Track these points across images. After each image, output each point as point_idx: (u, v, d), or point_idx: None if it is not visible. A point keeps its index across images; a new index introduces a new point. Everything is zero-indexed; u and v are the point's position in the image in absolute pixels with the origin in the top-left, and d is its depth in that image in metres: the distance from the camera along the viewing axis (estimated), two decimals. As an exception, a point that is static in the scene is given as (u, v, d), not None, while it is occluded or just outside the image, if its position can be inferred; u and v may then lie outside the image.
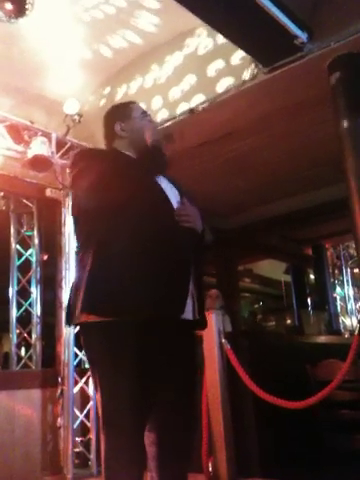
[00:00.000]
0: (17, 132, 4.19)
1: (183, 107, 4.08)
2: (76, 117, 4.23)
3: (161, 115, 4.22)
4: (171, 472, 1.75)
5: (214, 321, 3.63)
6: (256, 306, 12.48)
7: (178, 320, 1.67)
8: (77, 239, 1.86)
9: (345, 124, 3.30)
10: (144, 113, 2.02)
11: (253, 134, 4.50)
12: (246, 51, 3.56)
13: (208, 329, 3.72)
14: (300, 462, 3.30)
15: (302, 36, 3.31)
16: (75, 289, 1.77)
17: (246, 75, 3.71)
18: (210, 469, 3.39)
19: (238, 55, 3.74)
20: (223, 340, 3.57)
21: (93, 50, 4.18)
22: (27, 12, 3.30)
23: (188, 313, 1.70)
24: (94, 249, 1.68)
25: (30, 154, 4.07)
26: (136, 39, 4.11)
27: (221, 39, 3.78)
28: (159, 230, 1.70)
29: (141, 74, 4.42)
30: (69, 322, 1.77)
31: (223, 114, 3.96)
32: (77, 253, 1.83)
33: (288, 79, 3.57)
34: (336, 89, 3.41)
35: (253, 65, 3.65)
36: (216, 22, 3.28)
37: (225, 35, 3.44)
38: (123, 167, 1.82)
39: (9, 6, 3.20)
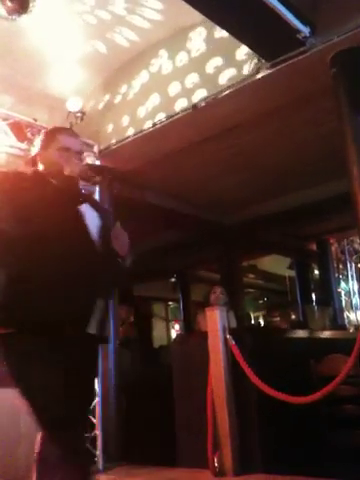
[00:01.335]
0: (20, 130, 4.19)
1: (184, 103, 4.07)
2: (79, 114, 4.23)
3: (163, 110, 4.22)
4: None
5: (218, 317, 3.63)
6: (260, 302, 12.48)
7: (82, 335, 1.82)
8: None
9: (347, 118, 3.29)
10: (67, 148, 1.99)
11: (255, 129, 4.49)
12: (249, 46, 3.55)
13: (213, 325, 3.76)
14: (304, 457, 3.30)
15: (304, 30, 3.30)
16: None
17: (248, 70, 3.70)
18: (215, 464, 3.40)
19: (241, 50, 3.73)
20: (228, 336, 3.57)
21: (95, 47, 4.18)
22: (30, 9, 3.30)
23: (92, 329, 1.85)
24: (8, 269, 1.82)
25: (33, 152, 4.07)
26: (136, 36, 4.11)
27: (223, 34, 3.77)
28: (72, 255, 1.80)
29: (142, 70, 4.42)
30: None
31: (225, 109, 3.95)
32: None
33: (290, 73, 3.56)
34: (338, 83, 3.40)
35: (255, 60, 3.65)
36: (218, 17, 3.28)
37: (228, 30, 3.43)
38: (40, 192, 1.87)
39: (12, 3, 3.20)
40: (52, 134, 2.08)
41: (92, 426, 4.12)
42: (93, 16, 3.87)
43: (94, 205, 2.04)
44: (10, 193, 1.83)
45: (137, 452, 4.07)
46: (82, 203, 1.95)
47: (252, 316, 11.44)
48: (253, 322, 11.37)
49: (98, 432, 4.08)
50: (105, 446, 4.07)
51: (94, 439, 4.08)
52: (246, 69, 3.71)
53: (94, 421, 4.11)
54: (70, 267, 1.78)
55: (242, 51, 3.73)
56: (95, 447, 4.05)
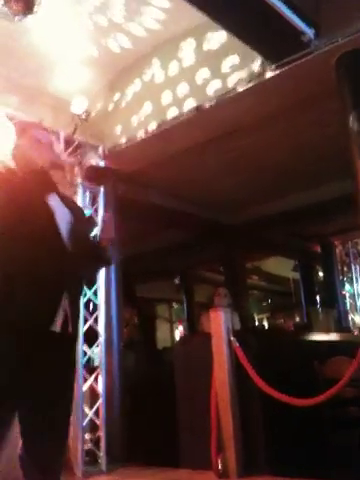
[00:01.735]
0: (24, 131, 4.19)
1: (189, 104, 4.08)
2: (84, 115, 4.24)
3: (169, 111, 4.22)
4: None
5: (222, 319, 3.63)
6: (264, 304, 12.46)
7: (46, 332, 1.77)
8: None
9: (352, 120, 3.29)
10: (38, 141, 1.99)
11: (259, 131, 4.49)
12: (253, 48, 3.56)
13: (216, 327, 3.75)
14: (307, 459, 3.29)
15: (309, 32, 3.30)
16: None
17: (253, 72, 3.71)
18: (219, 466, 3.40)
19: (244, 52, 3.73)
20: (232, 338, 3.57)
21: (100, 47, 4.18)
22: (35, 9, 3.30)
23: (57, 327, 1.79)
24: None
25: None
26: (142, 36, 4.11)
27: (227, 37, 3.78)
28: (37, 250, 1.78)
29: (148, 70, 4.42)
30: None
31: (230, 111, 3.96)
32: None
33: (295, 76, 3.56)
34: (343, 85, 3.40)
35: (260, 62, 3.65)
36: (223, 20, 3.28)
37: (232, 32, 3.44)
38: (11, 190, 1.86)
39: (17, 5, 3.20)
40: (23, 129, 2.10)
41: (95, 427, 4.12)
42: (98, 17, 3.88)
43: (65, 200, 2.01)
44: None
45: (140, 453, 4.06)
46: (50, 193, 1.92)
47: (256, 318, 11.43)
48: (257, 324, 11.37)
49: (101, 433, 4.08)
50: (108, 447, 4.07)
51: (97, 440, 4.08)
52: (251, 72, 3.71)
53: (98, 422, 4.11)
54: (34, 261, 1.76)
55: (245, 54, 3.73)
56: (98, 448, 4.06)
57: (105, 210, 2.03)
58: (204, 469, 3.49)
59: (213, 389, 3.51)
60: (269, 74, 3.62)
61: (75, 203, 2.17)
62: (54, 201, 1.92)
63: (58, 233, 1.85)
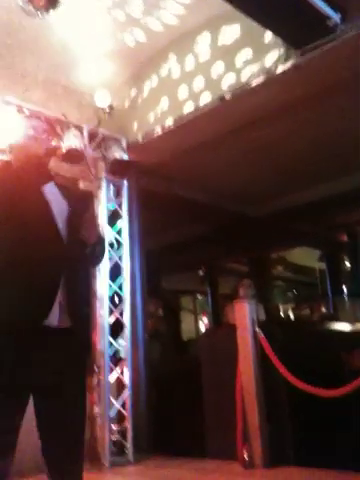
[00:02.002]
0: (50, 126, 4.23)
1: (212, 94, 4.05)
2: (107, 109, 4.25)
3: (190, 103, 4.20)
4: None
5: (247, 310, 3.62)
6: (289, 294, 12.37)
7: (40, 327, 1.71)
8: None
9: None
10: (33, 130, 1.96)
11: (283, 119, 4.43)
12: (277, 34, 3.50)
13: (241, 318, 3.75)
14: (333, 450, 3.27)
15: (335, 17, 3.23)
16: None
17: (277, 59, 3.65)
18: (245, 457, 3.41)
19: (269, 39, 3.68)
20: (257, 329, 3.56)
21: (121, 40, 4.18)
22: (58, 5, 3.32)
23: (53, 321, 1.73)
24: None
25: (63, 148, 4.12)
26: (162, 28, 4.09)
27: (250, 24, 3.72)
28: (31, 241, 1.75)
29: (170, 62, 4.40)
30: None
31: (252, 100, 3.91)
32: None
33: (320, 62, 3.49)
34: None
35: (284, 49, 3.59)
36: (246, 7, 3.23)
37: (256, 19, 3.38)
38: (5, 177, 1.85)
39: (42, 1, 3.23)
40: (21, 122, 2.13)
41: (122, 418, 4.17)
42: (120, 9, 3.88)
43: (63, 189, 1.96)
44: None
45: (167, 444, 4.10)
46: (45, 182, 1.90)
47: (281, 309, 11.36)
48: (282, 315, 11.29)
49: (128, 424, 4.12)
50: (135, 438, 4.11)
51: (124, 431, 4.13)
52: (274, 59, 3.66)
53: (124, 413, 4.16)
54: (28, 251, 1.73)
55: (269, 40, 3.68)
56: (125, 438, 4.11)
57: (89, 209, 1.91)
58: (230, 460, 3.50)
59: (238, 380, 3.52)
60: (293, 61, 3.56)
61: (77, 193, 2.10)
62: (50, 190, 1.90)
63: (53, 222, 1.80)
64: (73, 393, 1.78)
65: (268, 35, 3.65)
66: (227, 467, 3.48)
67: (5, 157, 2.03)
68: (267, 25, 3.43)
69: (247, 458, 3.41)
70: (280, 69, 3.63)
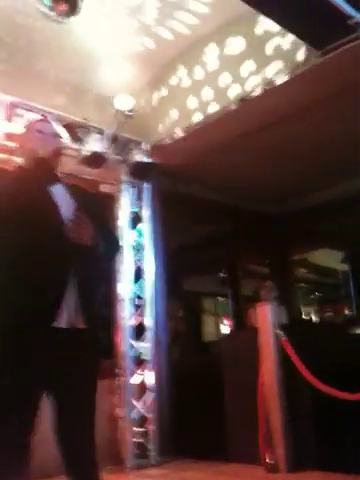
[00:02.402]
0: (72, 130, 4.28)
1: (233, 94, 4.04)
2: (127, 112, 4.27)
3: (212, 105, 4.20)
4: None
5: (269, 313, 3.60)
6: (312, 296, 12.24)
7: (49, 328, 1.70)
8: None
9: None
10: (39, 131, 1.98)
11: (305, 118, 4.40)
12: (298, 35, 3.47)
13: (263, 321, 3.72)
14: (358, 453, 3.22)
15: (356, 16, 3.18)
16: None
17: (298, 60, 3.63)
18: (268, 460, 3.38)
19: (289, 40, 3.66)
20: (278, 331, 3.53)
21: (143, 43, 4.20)
22: (78, 10, 3.36)
23: (63, 322, 1.73)
24: None
25: (85, 151, 4.16)
26: (184, 29, 4.10)
27: (270, 25, 3.71)
28: (37, 239, 1.74)
29: (191, 64, 4.40)
30: None
31: (273, 100, 3.89)
32: None
33: (341, 61, 3.45)
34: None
35: (305, 49, 3.56)
36: (267, 8, 3.21)
37: (275, 20, 3.36)
38: (13, 179, 1.87)
39: (63, 6, 3.27)
40: (28, 126, 2.11)
41: (144, 420, 4.18)
42: (139, 13, 3.90)
43: (72, 190, 1.97)
44: None
45: (189, 447, 4.09)
46: (52, 182, 1.91)
47: (304, 311, 11.24)
48: (305, 317, 11.18)
49: (151, 426, 4.13)
50: (158, 440, 4.11)
51: (147, 433, 4.13)
52: (295, 60, 3.64)
53: (147, 415, 4.17)
54: (35, 252, 1.73)
55: (290, 41, 3.65)
56: (148, 441, 4.11)
57: (75, 208, 1.88)
58: (253, 463, 3.48)
59: (260, 383, 3.49)
60: (314, 61, 3.53)
61: (85, 194, 2.09)
62: (58, 191, 1.91)
63: (59, 222, 1.79)
64: (82, 393, 1.80)
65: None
66: (250, 471, 3.45)
67: (18, 161, 2.07)
68: (287, 26, 3.41)
69: (270, 462, 3.38)
70: (300, 69, 3.60)
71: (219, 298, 11.71)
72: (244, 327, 6.98)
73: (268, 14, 3.31)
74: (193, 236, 7.52)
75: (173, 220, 5.46)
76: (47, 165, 1.92)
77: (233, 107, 4.05)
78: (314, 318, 11.64)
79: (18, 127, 3.70)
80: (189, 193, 5.84)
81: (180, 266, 7.30)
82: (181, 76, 4.51)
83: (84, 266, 1.82)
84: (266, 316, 3.60)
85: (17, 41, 3.95)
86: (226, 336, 7.22)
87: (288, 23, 3.36)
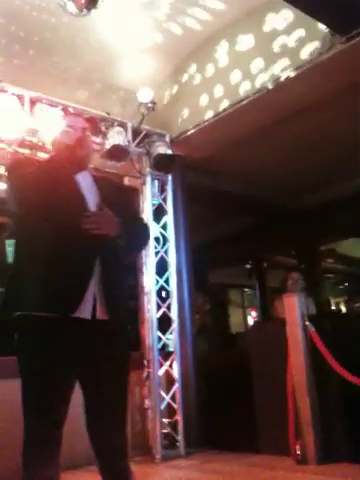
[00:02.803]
0: (94, 124, 4.30)
1: (257, 84, 3.98)
2: (150, 105, 4.27)
3: (234, 95, 4.15)
4: (109, 466, 1.80)
5: (297, 304, 3.56)
6: (341, 287, 12.08)
7: (70, 319, 1.72)
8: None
9: None
10: (70, 126, 2.02)
11: (330, 107, 4.31)
12: (322, 22, 3.40)
13: (291, 312, 3.68)
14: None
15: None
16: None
17: (322, 47, 3.55)
18: (298, 452, 3.36)
19: (313, 27, 3.58)
20: (307, 323, 3.49)
21: (164, 35, 4.18)
22: (98, 4, 3.35)
23: (85, 313, 1.75)
24: (14, 250, 1.89)
25: (108, 145, 4.18)
26: (207, 18, 4.05)
27: (292, 14, 3.64)
28: (62, 228, 1.77)
29: (213, 54, 4.36)
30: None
31: (296, 89, 3.82)
32: None
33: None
34: None
35: (329, 36, 3.49)
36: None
37: (300, 8, 3.30)
38: (42, 168, 1.90)
39: (83, 0, 3.27)
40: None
41: (172, 412, 4.20)
42: (160, 4, 3.87)
43: (98, 180, 2.02)
44: (19, 177, 1.86)
45: (217, 438, 4.09)
46: (77, 171, 1.95)
47: (332, 302, 11.10)
48: (334, 308, 11.04)
49: (179, 417, 4.15)
50: (186, 431, 4.13)
51: (175, 424, 4.15)
52: (319, 47, 3.56)
53: (175, 406, 4.19)
54: (61, 241, 1.75)
55: (314, 28, 3.58)
56: (176, 432, 4.13)
57: (100, 199, 1.93)
58: (283, 455, 3.46)
59: (289, 375, 3.46)
60: (338, 47, 3.45)
61: (112, 185, 2.13)
62: (84, 179, 1.96)
63: (85, 210, 1.82)
64: (115, 383, 1.81)
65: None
66: (279, 462, 3.44)
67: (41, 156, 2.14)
68: (311, 13, 3.33)
69: (299, 453, 3.35)
70: (324, 56, 3.53)
71: (246, 290, 11.67)
72: (269, 318, 6.94)
73: (292, 2, 3.25)
74: (218, 228, 7.49)
75: (197, 212, 5.44)
76: (72, 152, 1.95)
77: (255, 98, 3.99)
78: (343, 309, 11.49)
79: (40, 122, 3.74)
80: (213, 185, 5.81)
81: (206, 258, 7.28)
82: (203, 67, 4.47)
83: (109, 258, 1.83)
84: (294, 308, 3.56)
85: (39, 37, 3.99)
86: (252, 327, 7.18)
87: (312, 10, 3.29)
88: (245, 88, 4.06)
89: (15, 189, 1.86)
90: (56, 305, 1.72)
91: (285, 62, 3.78)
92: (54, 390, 1.72)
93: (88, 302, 1.75)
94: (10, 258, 7.07)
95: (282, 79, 3.78)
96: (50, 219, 1.77)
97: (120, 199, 2.02)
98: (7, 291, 1.83)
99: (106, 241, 1.79)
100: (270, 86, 3.87)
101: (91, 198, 1.89)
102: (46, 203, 1.76)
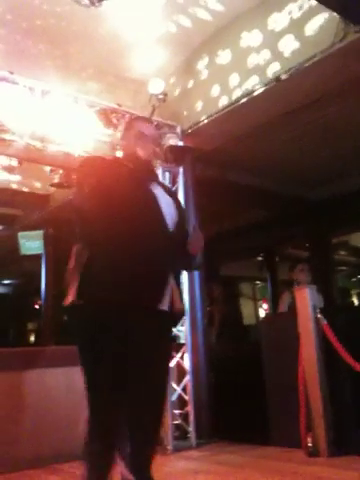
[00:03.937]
0: (105, 116, 4.29)
1: (267, 75, 3.94)
2: (161, 96, 4.25)
3: (245, 85, 4.11)
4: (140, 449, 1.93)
5: (308, 296, 3.54)
6: (354, 279, 12.00)
7: (154, 310, 1.96)
8: (76, 230, 2.06)
9: None
10: (142, 133, 2.16)
11: (342, 98, 4.25)
12: (335, 10, 3.35)
13: (302, 304, 3.66)
14: None
15: None
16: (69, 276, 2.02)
17: (335, 36, 3.50)
18: (309, 444, 3.35)
19: (325, 16, 3.53)
20: (319, 315, 3.47)
21: (175, 25, 4.14)
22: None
23: (165, 306, 2.00)
24: (90, 245, 1.98)
25: (119, 136, 4.16)
26: (218, 8, 4.01)
27: (306, 2, 3.59)
28: (143, 232, 1.94)
29: (226, 45, 4.32)
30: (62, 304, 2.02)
31: (308, 80, 3.78)
32: (74, 243, 2.07)
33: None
34: None
35: (342, 25, 3.43)
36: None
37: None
38: (117, 174, 2.01)
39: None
40: (130, 123, 2.33)
41: (184, 403, 4.21)
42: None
43: (165, 188, 2.21)
44: (91, 174, 1.97)
45: (227, 429, 4.10)
46: (153, 182, 2.11)
47: (345, 294, 11.04)
48: (346, 300, 10.98)
49: (190, 408, 4.16)
50: (197, 422, 4.14)
51: (186, 415, 4.17)
52: (332, 36, 3.50)
53: (186, 398, 4.20)
54: (141, 244, 1.91)
55: (326, 17, 3.53)
56: (187, 423, 4.15)
57: (194, 221, 2.20)
58: (294, 447, 3.46)
59: (300, 367, 3.46)
60: (352, 36, 3.39)
61: (172, 192, 2.37)
62: (157, 189, 2.11)
63: (163, 216, 2.02)
64: (166, 369, 2.08)
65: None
66: (290, 455, 3.44)
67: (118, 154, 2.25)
68: (324, 1, 3.28)
69: (311, 446, 3.35)
70: (337, 46, 3.48)
71: (257, 282, 11.65)
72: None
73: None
74: (230, 220, 7.47)
75: (209, 205, 5.43)
76: (149, 167, 2.16)
77: (266, 88, 3.95)
78: (356, 301, 11.43)
79: (52, 114, 3.74)
80: (225, 177, 5.78)
81: (217, 250, 7.27)
82: (213, 59, 4.43)
83: (176, 259, 2.11)
84: (305, 300, 3.54)
85: (50, 28, 3.98)
86: (263, 319, 7.17)
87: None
88: (261, 78, 4.01)
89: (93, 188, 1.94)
90: (141, 297, 1.91)
91: (298, 52, 3.74)
92: (125, 372, 1.88)
93: (167, 296, 2.01)
94: (23, 250, 7.15)
95: (295, 70, 3.74)
96: (130, 225, 1.92)
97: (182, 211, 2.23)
98: (82, 280, 1.94)
99: (177, 244, 2.05)
100: (284, 76, 3.82)
101: (167, 209, 2.08)
102: (128, 211, 1.92)
